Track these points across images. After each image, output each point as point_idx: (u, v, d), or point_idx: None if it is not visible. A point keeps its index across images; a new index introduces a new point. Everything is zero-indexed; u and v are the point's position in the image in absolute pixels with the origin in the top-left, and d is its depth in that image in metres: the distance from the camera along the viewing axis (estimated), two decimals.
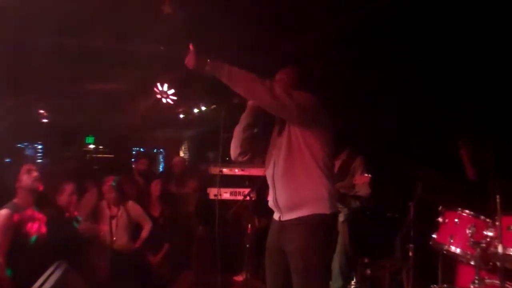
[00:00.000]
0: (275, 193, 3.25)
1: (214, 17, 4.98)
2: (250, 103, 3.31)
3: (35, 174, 4.56)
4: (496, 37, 4.60)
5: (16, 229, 4.37)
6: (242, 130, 3.35)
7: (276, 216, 3.33)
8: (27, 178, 4.54)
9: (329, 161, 3.19)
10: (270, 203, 3.34)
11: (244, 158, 3.44)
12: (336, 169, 5.08)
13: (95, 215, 5.69)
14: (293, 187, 3.15)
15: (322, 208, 3.08)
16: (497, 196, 3.60)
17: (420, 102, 5.69)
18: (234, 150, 3.42)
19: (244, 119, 3.36)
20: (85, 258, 5.00)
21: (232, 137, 3.43)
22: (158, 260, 6.01)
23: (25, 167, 4.58)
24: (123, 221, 5.71)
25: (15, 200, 4.53)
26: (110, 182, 5.74)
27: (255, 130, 3.39)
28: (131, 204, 5.86)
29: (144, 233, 5.85)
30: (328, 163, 3.17)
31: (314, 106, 3.17)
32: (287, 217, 3.20)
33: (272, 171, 3.29)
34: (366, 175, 4.98)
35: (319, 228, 3.07)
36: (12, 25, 5.06)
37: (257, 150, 3.45)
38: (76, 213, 5.05)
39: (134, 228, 5.83)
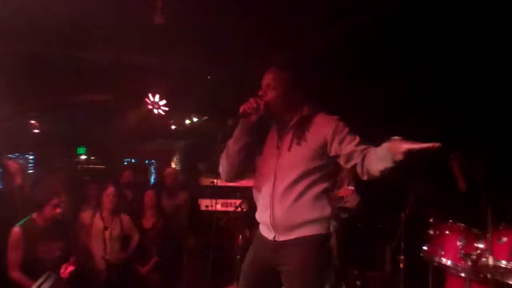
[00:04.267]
0: (272, 212, 2.91)
1: (206, 26, 5.01)
2: (250, 119, 2.94)
3: (58, 210, 4.46)
4: (491, 50, 4.64)
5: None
6: (238, 151, 2.98)
7: (267, 235, 2.99)
8: (50, 210, 4.45)
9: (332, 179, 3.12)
10: (263, 221, 3.01)
11: (239, 180, 3.14)
12: None
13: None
14: (298, 208, 2.87)
15: (323, 228, 2.93)
16: (489, 209, 3.62)
17: (411, 114, 5.71)
18: (228, 172, 3.07)
19: (241, 138, 2.98)
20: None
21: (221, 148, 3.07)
22: (146, 271, 5.94)
23: (53, 201, 4.45)
24: (116, 232, 5.64)
25: (34, 216, 4.49)
26: (110, 189, 5.69)
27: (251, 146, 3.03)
28: (123, 215, 5.81)
29: (133, 244, 5.82)
30: (331, 182, 3.07)
31: None
32: (284, 237, 2.91)
33: (270, 188, 2.92)
34: (350, 187, 4.96)
35: (321, 248, 2.91)
36: (3, 35, 5.05)
37: (252, 168, 3.11)
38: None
39: (124, 239, 5.77)
